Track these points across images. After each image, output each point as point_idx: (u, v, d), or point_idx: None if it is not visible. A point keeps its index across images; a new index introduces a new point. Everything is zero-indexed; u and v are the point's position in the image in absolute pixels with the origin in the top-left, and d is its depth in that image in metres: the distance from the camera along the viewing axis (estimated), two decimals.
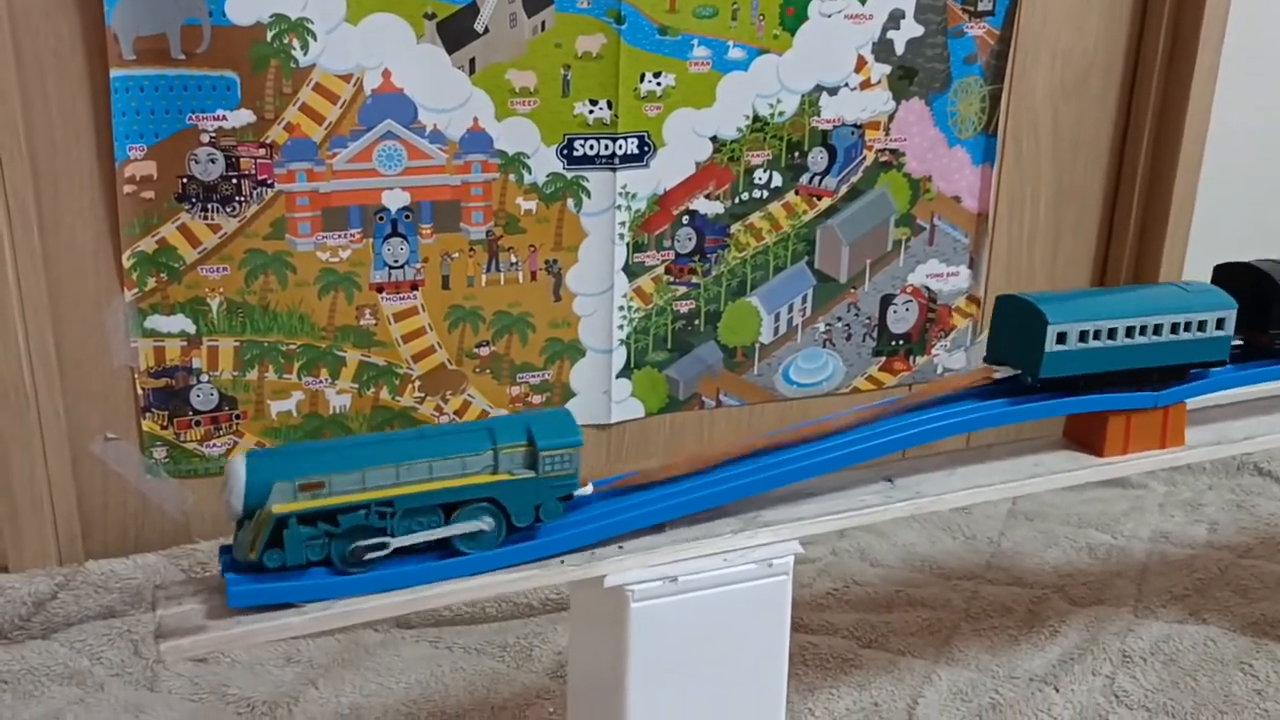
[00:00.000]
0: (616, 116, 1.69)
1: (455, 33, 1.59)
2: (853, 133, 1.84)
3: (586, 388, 1.80)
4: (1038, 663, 1.53)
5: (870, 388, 1.99)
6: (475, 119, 1.63)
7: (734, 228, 1.82)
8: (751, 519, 1.09)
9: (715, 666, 1.06)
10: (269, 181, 1.57)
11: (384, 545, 0.93)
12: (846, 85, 1.81)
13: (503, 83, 1.63)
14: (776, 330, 1.90)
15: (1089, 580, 1.73)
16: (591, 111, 1.68)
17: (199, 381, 1.62)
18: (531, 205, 1.70)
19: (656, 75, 1.69)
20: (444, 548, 0.97)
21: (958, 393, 1.21)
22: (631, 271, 1.78)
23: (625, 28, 1.66)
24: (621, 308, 1.79)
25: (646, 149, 1.72)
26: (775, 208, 1.83)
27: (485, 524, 0.97)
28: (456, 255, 1.68)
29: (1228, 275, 1.34)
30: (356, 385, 1.69)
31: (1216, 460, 2.07)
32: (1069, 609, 1.66)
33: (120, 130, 1.49)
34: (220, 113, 1.52)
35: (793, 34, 1.75)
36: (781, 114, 1.78)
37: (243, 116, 1.53)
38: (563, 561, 1.01)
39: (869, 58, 1.80)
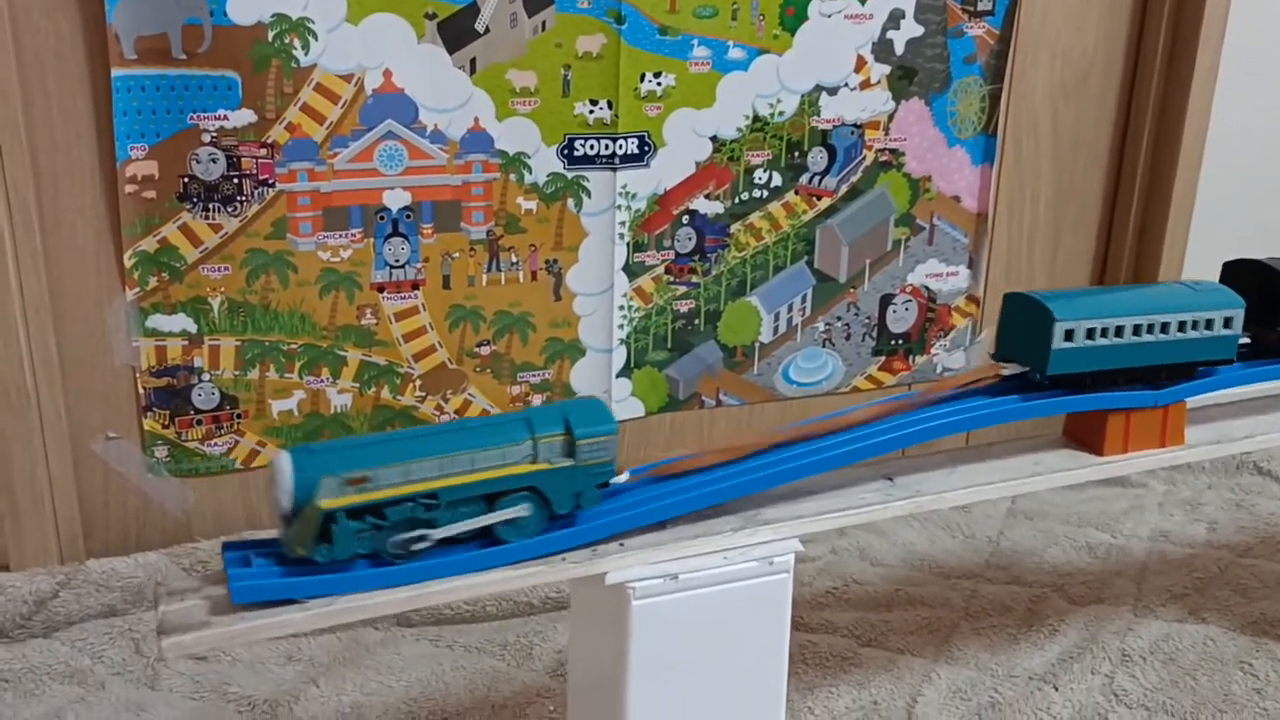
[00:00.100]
0: (617, 116, 1.69)
1: (456, 33, 1.59)
2: (852, 133, 1.84)
3: (587, 387, 1.81)
4: (1037, 661, 1.53)
5: (870, 387, 1.99)
6: (476, 119, 1.63)
7: (734, 227, 1.82)
8: (752, 517, 1.09)
9: (715, 664, 1.06)
10: (270, 181, 1.57)
11: (424, 537, 0.95)
12: (846, 85, 1.81)
13: (503, 83, 1.63)
14: (776, 330, 1.90)
15: (1088, 579, 1.73)
16: (592, 111, 1.68)
17: (200, 381, 1.62)
18: (532, 205, 1.70)
19: (657, 75, 1.70)
20: (485, 537, 0.98)
21: (966, 389, 1.21)
22: (632, 271, 1.78)
23: (625, 28, 1.66)
24: (622, 307, 1.79)
25: (647, 149, 1.73)
26: (775, 207, 1.83)
27: (524, 510, 0.98)
28: (457, 255, 1.68)
29: (1236, 272, 1.34)
30: (358, 384, 1.69)
31: (1216, 459, 2.08)
32: (1068, 608, 1.66)
33: (121, 130, 1.50)
34: (221, 112, 1.52)
35: (793, 34, 1.76)
36: (781, 114, 1.79)
37: (244, 116, 1.53)
38: (564, 559, 1.01)
39: (869, 58, 1.81)
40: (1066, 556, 1.81)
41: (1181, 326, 1.22)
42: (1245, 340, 1.30)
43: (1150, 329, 1.21)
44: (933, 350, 2.01)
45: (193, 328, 1.59)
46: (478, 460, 0.96)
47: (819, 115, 1.81)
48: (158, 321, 1.58)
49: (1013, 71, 1.92)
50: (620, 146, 1.71)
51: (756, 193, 1.81)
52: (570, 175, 1.70)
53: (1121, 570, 1.77)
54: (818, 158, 1.83)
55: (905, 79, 1.84)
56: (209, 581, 0.96)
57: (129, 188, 1.52)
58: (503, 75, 1.62)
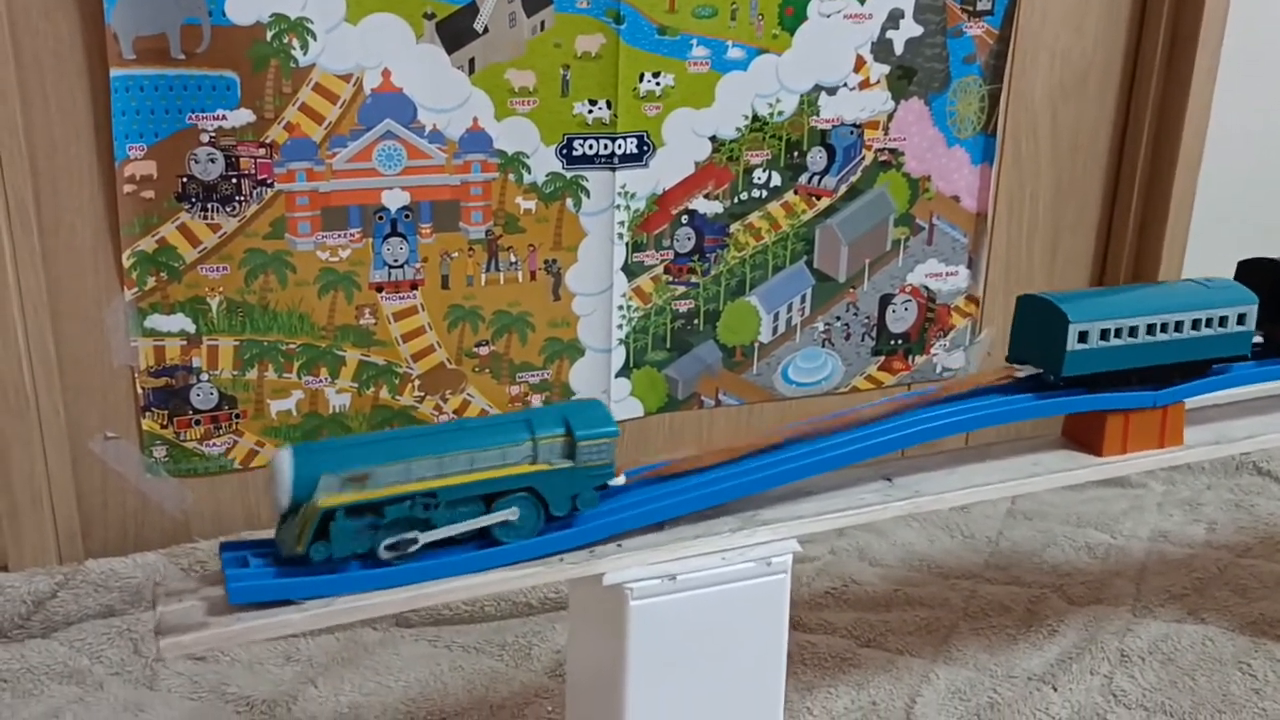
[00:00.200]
0: (616, 116, 1.69)
1: (455, 32, 1.59)
2: (852, 132, 1.84)
3: (585, 387, 1.81)
4: (1036, 662, 1.53)
5: (869, 387, 1.99)
6: (475, 119, 1.63)
7: (733, 227, 1.82)
8: (750, 518, 1.09)
9: (714, 665, 1.06)
10: (269, 181, 1.57)
11: (414, 539, 0.95)
12: (845, 85, 1.81)
13: (502, 82, 1.63)
14: (775, 330, 1.90)
15: (1087, 579, 1.73)
16: (591, 111, 1.68)
17: (199, 381, 1.62)
18: (531, 205, 1.70)
19: (655, 75, 1.70)
20: (483, 538, 0.98)
21: (978, 390, 1.21)
22: (631, 271, 1.78)
23: (624, 28, 1.66)
24: (621, 307, 1.79)
25: (646, 149, 1.73)
26: (774, 207, 1.83)
27: (512, 514, 0.98)
28: (456, 255, 1.68)
29: (1250, 271, 1.34)
30: (356, 384, 1.69)
31: (1215, 460, 2.07)
32: (1067, 608, 1.66)
33: (120, 130, 1.49)
34: (220, 112, 1.52)
35: (792, 34, 1.75)
36: (780, 114, 1.79)
37: (242, 116, 1.53)
38: (561, 559, 1.01)
39: (868, 57, 1.81)
40: (1066, 557, 1.81)
41: (1195, 324, 1.22)
42: (1258, 339, 1.31)
43: (1164, 328, 1.21)
44: (932, 350, 2.01)
45: (191, 328, 1.59)
46: (477, 460, 0.97)
47: (818, 115, 1.81)
48: (156, 321, 1.58)
49: (1012, 71, 1.92)
50: (619, 146, 1.71)
51: (756, 192, 1.81)
52: (569, 175, 1.70)
53: (1120, 570, 1.77)
54: (817, 157, 1.83)
55: (905, 79, 1.84)
56: (207, 582, 0.96)
57: (127, 187, 1.52)
58: (501, 75, 1.62)
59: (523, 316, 1.74)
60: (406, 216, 1.64)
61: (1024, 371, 1.22)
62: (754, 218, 1.83)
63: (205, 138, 1.52)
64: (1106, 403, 1.21)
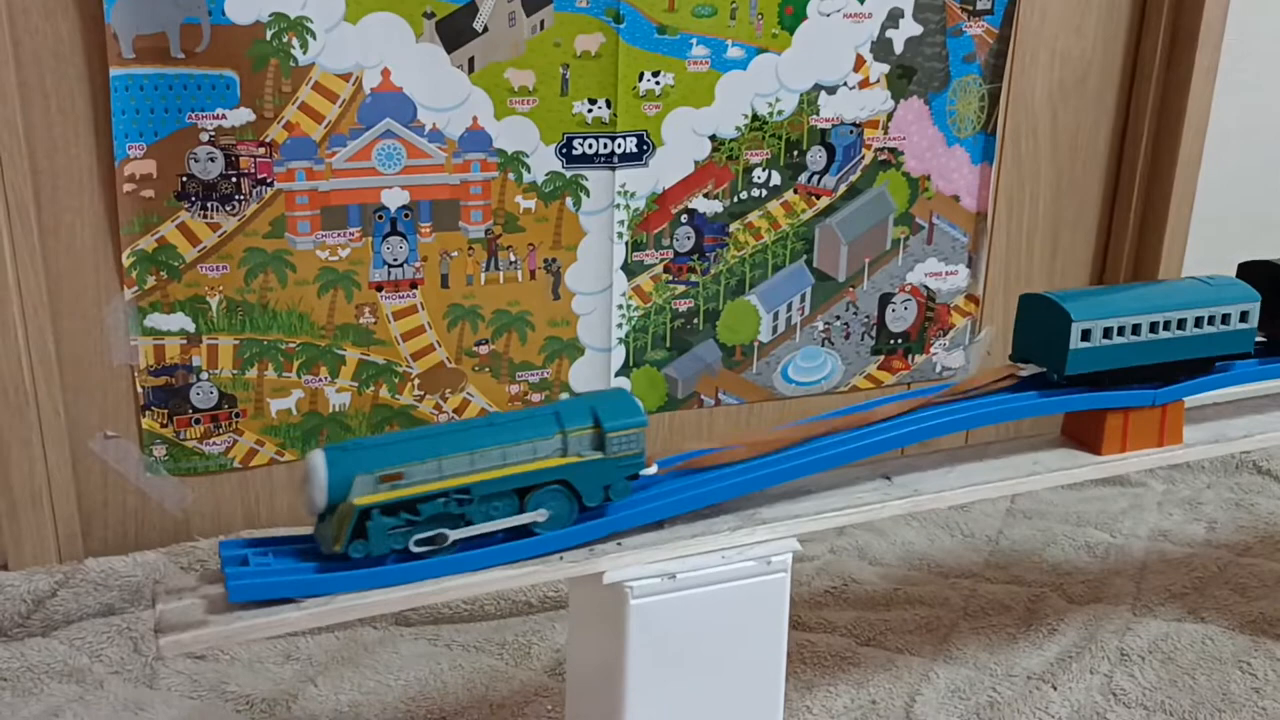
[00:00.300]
0: (615, 115, 1.69)
1: (454, 31, 1.59)
2: (851, 132, 1.84)
3: (585, 386, 1.81)
4: (1036, 661, 1.53)
5: (869, 386, 1.99)
6: (474, 118, 1.63)
7: (733, 226, 1.82)
8: (750, 516, 1.09)
9: (713, 664, 1.06)
10: (268, 180, 1.57)
11: (445, 536, 0.96)
12: (845, 84, 1.81)
13: (502, 81, 1.63)
14: (775, 329, 1.90)
15: (1087, 578, 1.73)
16: (590, 110, 1.68)
17: (198, 380, 1.62)
18: (530, 204, 1.70)
19: (655, 74, 1.70)
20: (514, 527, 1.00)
21: (985, 389, 1.21)
22: (630, 270, 1.78)
23: (624, 27, 1.66)
24: (620, 306, 1.79)
25: (645, 148, 1.73)
26: (774, 206, 1.83)
27: (541, 515, 0.99)
28: (456, 254, 1.68)
29: (1250, 273, 1.34)
30: (356, 383, 1.69)
31: (1216, 459, 2.08)
32: (1067, 607, 1.66)
33: (120, 129, 1.49)
34: (220, 111, 1.52)
35: (791, 33, 1.75)
36: (780, 113, 1.79)
37: (242, 115, 1.53)
38: (561, 558, 1.01)
39: (868, 57, 1.81)
40: (1065, 556, 1.81)
41: (1198, 322, 1.23)
42: (1260, 339, 1.31)
43: (1167, 326, 1.21)
44: (932, 349, 2.01)
45: (191, 327, 1.59)
46: (509, 455, 0.98)
47: (818, 114, 1.81)
48: (156, 320, 1.58)
49: (1012, 71, 1.92)
50: (619, 145, 1.71)
51: (755, 192, 1.81)
52: (569, 174, 1.70)
53: (1120, 569, 1.77)
54: (817, 157, 1.83)
55: (904, 78, 1.84)
56: (206, 580, 0.96)
57: (127, 187, 1.52)
58: (501, 74, 1.62)
59: (522, 316, 1.75)
60: (406, 216, 1.64)
61: (1027, 370, 1.22)
62: (754, 217, 1.83)
63: (205, 137, 1.52)
64: (1105, 401, 1.21)
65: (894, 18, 1.80)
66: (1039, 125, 1.98)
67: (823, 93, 1.80)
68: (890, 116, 1.85)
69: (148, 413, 1.61)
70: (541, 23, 1.62)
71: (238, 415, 1.65)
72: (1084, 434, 1.25)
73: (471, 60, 1.61)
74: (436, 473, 0.95)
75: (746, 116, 1.77)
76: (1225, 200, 2.11)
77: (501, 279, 1.72)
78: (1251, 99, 2.10)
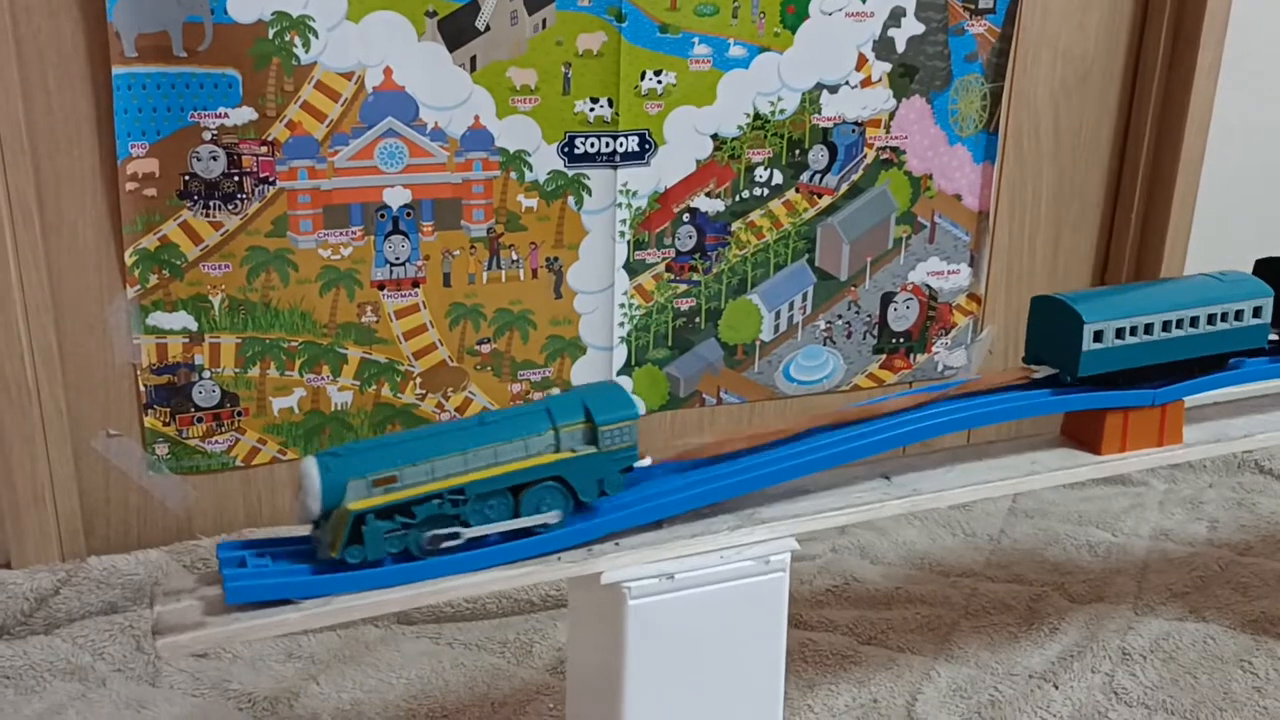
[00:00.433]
0: (617, 114, 1.69)
1: (456, 30, 1.59)
2: (853, 130, 1.84)
3: None
4: (1037, 660, 1.53)
5: (870, 385, 1.99)
6: (476, 117, 1.63)
7: (735, 225, 1.82)
8: (748, 516, 1.09)
9: (713, 663, 1.06)
10: (271, 179, 1.57)
11: (457, 535, 0.96)
12: (847, 83, 1.81)
13: (504, 80, 1.63)
14: (777, 328, 1.90)
15: (1089, 578, 1.73)
16: (592, 109, 1.68)
17: (201, 378, 1.62)
18: (532, 203, 1.70)
19: (657, 73, 1.70)
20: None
21: (994, 389, 1.21)
22: (632, 269, 1.78)
23: (626, 26, 1.66)
24: (622, 305, 1.79)
25: (647, 147, 1.73)
26: (776, 205, 1.83)
27: (552, 517, 1.00)
28: (458, 253, 1.69)
29: (1266, 270, 1.34)
30: (358, 382, 1.69)
31: (1217, 458, 2.07)
32: (1069, 606, 1.66)
33: (122, 128, 1.50)
34: (222, 110, 1.52)
35: (793, 32, 1.75)
36: (782, 112, 1.79)
37: (244, 114, 1.53)
38: (559, 558, 1.01)
39: (870, 55, 1.81)
40: (1067, 555, 1.81)
41: (1211, 319, 1.22)
42: (1274, 337, 1.30)
43: (1180, 324, 1.20)
44: (934, 348, 2.01)
45: (193, 325, 1.60)
46: (501, 453, 0.98)
47: (820, 113, 1.81)
48: (158, 319, 1.58)
49: (1014, 69, 1.91)
50: (621, 144, 1.71)
51: (757, 191, 1.81)
52: (571, 173, 1.70)
53: (1122, 569, 1.77)
54: (819, 156, 1.83)
55: (906, 77, 1.84)
56: (204, 581, 0.96)
57: (130, 185, 1.52)
58: (503, 73, 1.63)
59: (524, 314, 1.75)
60: (408, 214, 1.65)
61: (1041, 372, 1.22)
62: (755, 216, 1.83)
63: (207, 135, 1.52)
64: (1105, 401, 1.21)
65: (896, 16, 1.80)
66: (1041, 124, 1.98)
67: (825, 91, 1.80)
68: (892, 115, 1.85)
69: (150, 411, 1.61)
70: (543, 21, 1.62)
71: (240, 414, 1.66)
72: (1084, 434, 1.25)
73: (473, 59, 1.61)
74: (429, 474, 0.95)
75: (748, 115, 1.77)
76: (1228, 198, 2.11)
77: (503, 278, 1.72)
78: (1254, 97, 2.09)
